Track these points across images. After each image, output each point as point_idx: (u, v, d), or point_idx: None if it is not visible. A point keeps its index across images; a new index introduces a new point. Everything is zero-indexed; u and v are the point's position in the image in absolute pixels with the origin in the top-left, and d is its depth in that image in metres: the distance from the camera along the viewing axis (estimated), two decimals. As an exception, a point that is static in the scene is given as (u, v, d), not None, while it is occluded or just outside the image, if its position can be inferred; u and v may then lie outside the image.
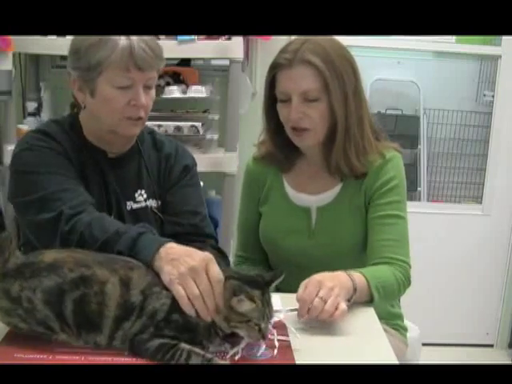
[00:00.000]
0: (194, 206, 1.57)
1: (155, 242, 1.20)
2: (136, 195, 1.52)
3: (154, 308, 1.11)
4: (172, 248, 1.17)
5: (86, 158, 1.47)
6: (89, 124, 1.49)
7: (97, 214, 1.32)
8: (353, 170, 1.56)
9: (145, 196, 1.53)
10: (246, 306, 1.10)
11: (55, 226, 1.30)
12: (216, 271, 1.12)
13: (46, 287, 1.11)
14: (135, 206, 1.52)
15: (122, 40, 1.35)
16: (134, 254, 1.19)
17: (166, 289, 1.12)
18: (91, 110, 1.44)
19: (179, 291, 1.10)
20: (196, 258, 1.13)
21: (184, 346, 1.09)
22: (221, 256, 1.49)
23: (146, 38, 1.39)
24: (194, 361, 1.07)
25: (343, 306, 1.24)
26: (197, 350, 1.09)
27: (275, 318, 1.19)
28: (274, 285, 1.18)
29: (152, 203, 1.54)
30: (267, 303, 1.13)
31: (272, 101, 1.57)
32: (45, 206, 1.34)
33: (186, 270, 1.11)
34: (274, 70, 1.53)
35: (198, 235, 1.53)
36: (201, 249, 1.19)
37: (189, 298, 1.10)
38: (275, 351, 1.14)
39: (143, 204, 1.53)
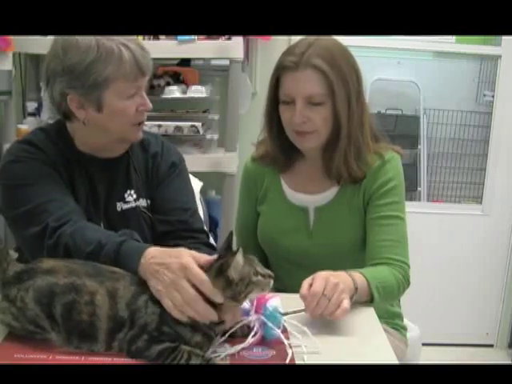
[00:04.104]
0: (183, 203, 1.56)
1: (136, 251, 1.20)
2: (125, 196, 1.51)
3: (145, 322, 1.11)
4: (152, 257, 1.17)
5: (73, 164, 1.46)
6: (87, 136, 1.46)
7: (79, 223, 1.32)
8: (351, 175, 1.56)
9: (134, 196, 1.52)
10: (237, 269, 1.10)
11: (42, 240, 1.30)
12: (196, 276, 1.11)
13: (37, 286, 1.13)
14: (125, 206, 1.51)
15: (124, 51, 1.34)
16: (120, 266, 1.20)
17: (151, 300, 1.13)
18: (98, 124, 1.41)
19: (167, 304, 1.11)
20: (174, 269, 1.12)
21: (184, 347, 1.09)
22: (213, 252, 1.49)
23: (137, 42, 1.39)
24: (194, 362, 1.07)
25: (345, 304, 1.24)
26: (197, 350, 1.10)
27: (281, 320, 1.20)
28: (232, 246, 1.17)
29: (142, 203, 1.53)
30: (239, 252, 1.12)
31: (275, 102, 1.57)
32: (32, 219, 1.34)
33: (168, 283, 1.12)
34: (279, 71, 1.52)
35: (188, 231, 1.53)
36: (195, 248, 1.21)
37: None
38: (287, 352, 1.14)
39: (133, 204, 1.52)
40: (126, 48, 1.35)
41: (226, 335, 1.16)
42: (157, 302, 1.12)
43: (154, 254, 1.18)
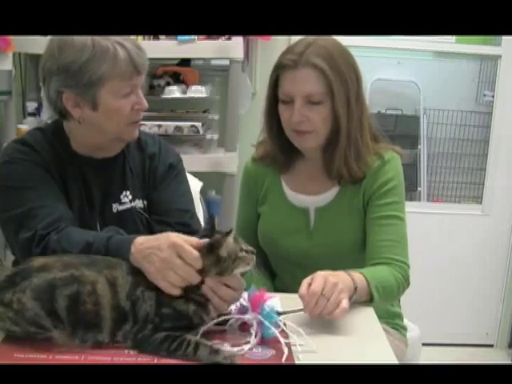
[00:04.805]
0: (182, 204, 1.56)
1: (125, 242, 1.23)
2: (121, 197, 1.52)
3: (146, 311, 1.14)
4: (141, 244, 1.21)
5: (67, 164, 1.46)
6: (83, 136, 1.46)
7: (65, 230, 1.33)
8: (351, 175, 1.56)
9: (130, 197, 1.52)
10: (227, 249, 1.17)
11: (31, 246, 1.32)
12: (188, 253, 1.16)
13: (35, 285, 1.13)
14: (120, 207, 1.51)
15: (119, 50, 1.35)
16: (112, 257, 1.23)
17: (147, 288, 1.16)
18: (94, 123, 1.42)
19: (164, 285, 1.15)
20: (164, 248, 1.17)
21: (191, 337, 1.12)
22: None
23: (133, 41, 1.39)
24: (202, 351, 1.10)
25: (344, 304, 1.24)
26: (204, 341, 1.12)
27: (277, 320, 1.21)
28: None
29: (138, 204, 1.53)
30: (225, 233, 1.18)
31: (274, 101, 1.57)
32: (23, 223, 1.35)
33: (160, 264, 1.16)
34: (278, 70, 1.52)
35: (187, 233, 1.52)
36: None
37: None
38: (285, 351, 1.14)
39: (128, 205, 1.52)
40: (122, 47, 1.36)
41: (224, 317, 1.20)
42: (152, 288, 1.15)
43: (142, 241, 1.21)
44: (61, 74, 1.37)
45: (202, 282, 1.17)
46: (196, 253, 1.16)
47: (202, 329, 1.16)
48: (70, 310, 1.12)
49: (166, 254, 1.16)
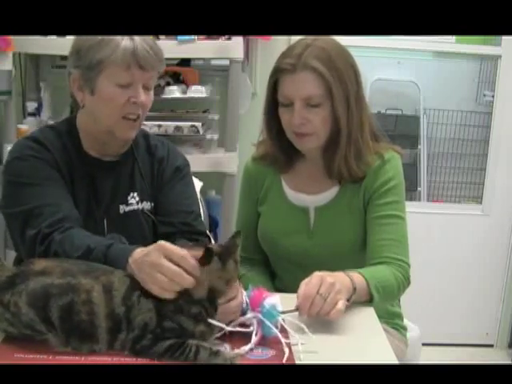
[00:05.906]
0: (186, 205, 1.57)
1: (124, 252, 1.22)
2: (128, 198, 1.53)
3: (143, 320, 1.11)
4: (138, 254, 1.18)
5: (77, 165, 1.47)
6: (86, 125, 1.49)
7: (69, 231, 1.33)
8: (352, 174, 1.56)
9: (137, 199, 1.53)
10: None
11: (35, 244, 1.32)
12: (174, 252, 1.13)
13: (31, 290, 1.12)
14: (128, 208, 1.52)
15: (125, 40, 1.37)
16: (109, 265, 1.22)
17: (143, 295, 1.13)
18: (90, 109, 1.45)
19: (154, 290, 1.12)
20: (151, 253, 1.15)
21: (191, 341, 1.10)
22: None
23: (149, 40, 1.41)
24: (202, 354, 1.09)
25: (340, 305, 1.23)
26: (204, 344, 1.11)
27: (278, 317, 1.20)
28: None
29: (145, 206, 1.54)
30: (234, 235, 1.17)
31: (274, 104, 1.57)
32: (28, 221, 1.36)
33: (148, 268, 1.13)
34: (277, 74, 1.52)
35: (191, 233, 1.53)
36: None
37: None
38: (286, 351, 1.14)
39: (135, 207, 1.53)
40: (130, 38, 1.38)
41: (228, 329, 1.17)
42: (149, 296, 1.13)
43: (139, 251, 1.20)
44: (74, 55, 1.43)
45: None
46: (184, 252, 1.13)
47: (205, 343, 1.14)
48: (62, 321, 1.11)
49: (153, 256, 1.13)
